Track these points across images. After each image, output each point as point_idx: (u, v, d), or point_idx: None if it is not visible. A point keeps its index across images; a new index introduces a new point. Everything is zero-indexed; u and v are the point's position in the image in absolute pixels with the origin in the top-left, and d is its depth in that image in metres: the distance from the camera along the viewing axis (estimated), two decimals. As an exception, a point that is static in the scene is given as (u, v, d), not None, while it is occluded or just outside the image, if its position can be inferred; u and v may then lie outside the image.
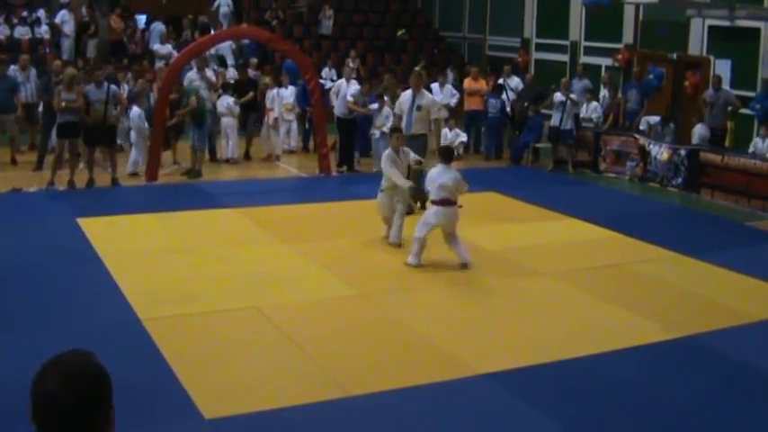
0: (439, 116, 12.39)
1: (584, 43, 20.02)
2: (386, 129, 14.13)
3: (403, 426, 5.52)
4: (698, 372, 6.55)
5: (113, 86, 13.32)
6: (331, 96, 16.02)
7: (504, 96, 17.11)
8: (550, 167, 15.72)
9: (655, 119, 15.59)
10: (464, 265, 9.11)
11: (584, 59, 19.46)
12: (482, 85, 17.50)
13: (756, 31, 15.66)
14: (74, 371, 1.87)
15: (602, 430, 5.56)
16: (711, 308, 8.17)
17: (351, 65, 18.90)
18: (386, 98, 14.77)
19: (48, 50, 19.08)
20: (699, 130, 14.71)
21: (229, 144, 15.17)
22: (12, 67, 15.39)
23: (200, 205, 11.73)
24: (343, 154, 15.06)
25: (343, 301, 8.03)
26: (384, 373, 6.31)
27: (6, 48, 18.75)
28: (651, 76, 17.50)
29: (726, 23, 15.97)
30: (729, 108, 14.85)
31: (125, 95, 14.61)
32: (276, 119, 15.73)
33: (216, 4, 21.96)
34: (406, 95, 11.91)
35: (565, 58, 20.49)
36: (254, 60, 18.70)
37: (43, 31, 20.09)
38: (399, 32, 23.59)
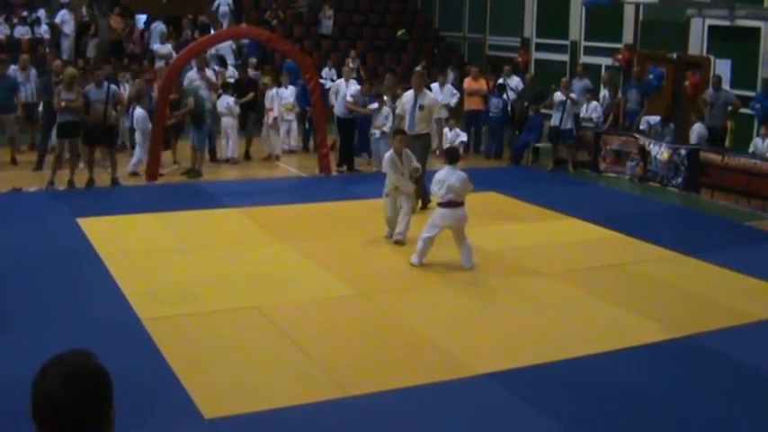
0: (439, 116, 12.40)
1: (584, 43, 20.03)
2: (386, 129, 14.13)
3: (403, 426, 5.52)
4: (698, 372, 6.55)
5: (113, 86, 13.32)
6: (330, 96, 16.03)
7: (505, 96, 17.11)
8: (550, 167, 15.72)
9: (655, 119, 15.59)
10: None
11: (584, 59, 19.47)
12: (482, 84, 17.50)
13: (756, 30, 15.66)
14: (74, 371, 1.87)
15: (602, 430, 5.56)
16: (711, 308, 8.17)
17: (351, 65, 18.90)
18: (386, 98, 14.77)
19: (48, 50, 19.08)
20: (697, 129, 14.71)
21: (229, 144, 15.17)
22: (12, 66, 15.39)
23: (200, 205, 11.73)
24: (343, 154, 15.06)
25: (343, 301, 8.03)
26: (384, 373, 6.31)
27: (6, 47, 18.76)
28: (651, 76, 17.51)
29: (726, 23, 15.98)
30: (729, 108, 14.86)
31: (125, 95, 14.62)
32: (276, 118, 15.73)
33: (216, 3, 21.96)
34: (408, 95, 11.91)
35: (565, 57, 20.49)
36: (252, 60, 18.70)
37: (43, 30, 20.09)
38: (399, 32, 23.60)
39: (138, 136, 14.09)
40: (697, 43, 17.12)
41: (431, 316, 7.66)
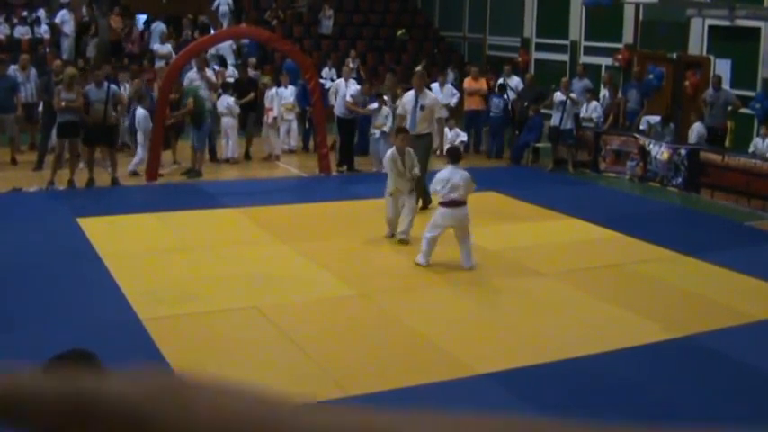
0: (440, 116, 12.40)
1: (584, 43, 20.02)
2: (386, 129, 14.13)
3: (403, 426, 5.51)
4: (698, 372, 6.55)
5: (113, 86, 13.32)
6: (330, 96, 16.02)
7: (506, 96, 17.11)
8: (550, 167, 15.71)
9: (655, 118, 15.59)
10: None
11: (584, 59, 19.46)
12: (482, 84, 17.50)
13: (756, 30, 15.66)
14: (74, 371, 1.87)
15: (602, 430, 5.55)
16: (711, 308, 8.17)
17: (351, 65, 18.90)
18: (386, 98, 14.77)
19: (48, 50, 19.08)
20: (697, 128, 14.70)
21: (229, 144, 15.16)
22: (12, 66, 15.39)
23: (200, 205, 11.73)
24: (343, 154, 15.06)
25: (343, 301, 8.03)
26: (384, 373, 6.31)
27: (6, 47, 18.76)
28: (651, 76, 17.50)
29: (726, 23, 15.97)
30: (729, 108, 14.85)
31: (125, 95, 14.62)
32: (275, 118, 15.72)
33: (216, 3, 21.96)
34: (409, 96, 11.91)
35: (565, 57, 20.49)
36: (252, 60, 18.70)
37: (43, 30, 20.09)
38: (399, 32, 23.59)
39: (139, 136, 14.08)
40: (697, 43, 17.12)
41: (431, 316, 7.66)
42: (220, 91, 15.55)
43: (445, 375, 6.26)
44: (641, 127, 15.74)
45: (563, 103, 15.49)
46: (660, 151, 14.48)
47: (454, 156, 9.36)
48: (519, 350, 6.86)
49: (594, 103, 16.11)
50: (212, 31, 19.60)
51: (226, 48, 19.62)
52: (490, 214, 11.73)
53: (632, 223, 11.37)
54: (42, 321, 7.12)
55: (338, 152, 15.16)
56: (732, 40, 16.20)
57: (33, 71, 15.79)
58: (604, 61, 19.10)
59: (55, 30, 20.04)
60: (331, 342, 6.92)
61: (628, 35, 18.73)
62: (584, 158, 15.79)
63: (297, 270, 8.97)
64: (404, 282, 8.72)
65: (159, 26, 20.78)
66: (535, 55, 21.63)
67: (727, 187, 13.30)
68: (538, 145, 16.26)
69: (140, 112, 13.95)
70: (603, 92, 16.85)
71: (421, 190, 10.95)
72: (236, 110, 15.17)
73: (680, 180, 14.14)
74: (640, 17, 18.42)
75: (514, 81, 17.64)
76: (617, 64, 18.79)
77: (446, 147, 12.73)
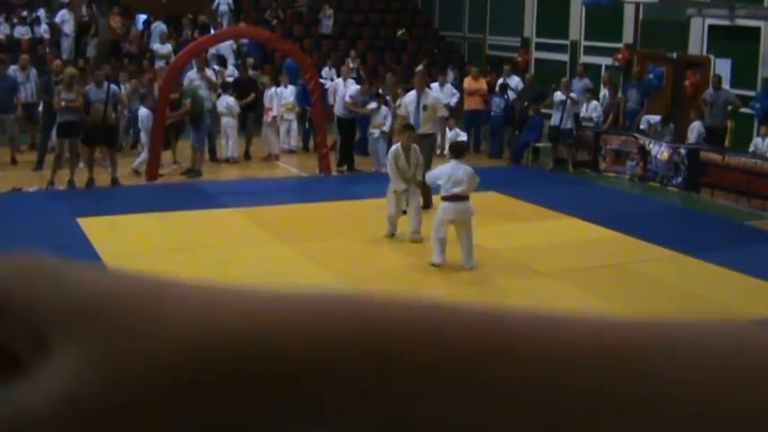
0: (441, 115, 12.40)
1: (584, 43, 20.03)
2: (385, 128, 14.12)
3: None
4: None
5: (113, 86, 13.32)
6: (329, 95, 16.02)
7: (506, 96, 17.12)
8: (550, 167, 15.71)
9: (655, 118, 15.59)
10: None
11: (584, 59, 19.46)
12: (482, 84, 17.49)
13: (756, 30, 15.66)
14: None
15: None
16: (711, 308, 8.17)
17: (351, 65, 18.90)
18: (388, 97, 14.76)
19: (48, 50, 19.09)
20: (697, 127, 14.69)
21: (229, 143, 15.15)
22: (12, 66, 15.40)
23: (200, 205, 11.73)
24: (343, 154, 15.05)
25: (344, 300, 8.02)
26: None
27: (6, 47, 18.75)
28: (651, 76, 17.51)
29: (726, 23, 15.98)
30: (729, 107, 14.85)
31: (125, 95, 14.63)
32: (274, 117, 15.72)
33: (216, 2, 21.96)
34: (411, 96, 11.89)
35: (565, 57, 20.49)
36: (250, 60, 18.70)
37: (43, 30, 20.10)
38: (399, 32, 23.60)
39: (143, 136, 14.07)
40: (697, 43, 17.12)
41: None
42: (220, 91, 15.55)
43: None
44: (641, 127, 15.75)
45: (563, 103, 15.49)
46: (660, 151, 14.48)
47: (457, 151, 9.38)
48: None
49: (594, 102, 16.11)
50: (212, 31, 19.60)
51: (226, 47, 19.62)
52: (490, 214, 11.72)
53: (632, 223, 11.37)
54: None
55: (338, 152, 15.15)
56: (732, 39, 16.20)
57: (33, 71, 15.79)
58: (604, 61, 19.11)
59: (55, 29, 20.05)
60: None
61: (628, 35, 18.73)
62: (584, 158, 15.79)
63: (297, 270, 8.97)
64: (404, 282, 8.72)
65: (159, 26, 20.78)
66: (535, 55, 21.64)
67: (727, 187, 13.30)
68: (538, 145, 16.25)
69: (143, 111, 13.94)
70: (603, 91, 16.85)
71: (423, 189, 10.94)
72: (236, 109, 15.17)
73: (680, 180, 14.14)
74: (640, 17, 18.43)
75: (514, 81, 17.64)
76: (617, 64, 18.80)
77: (447, 146, 12.73)
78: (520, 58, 21.16)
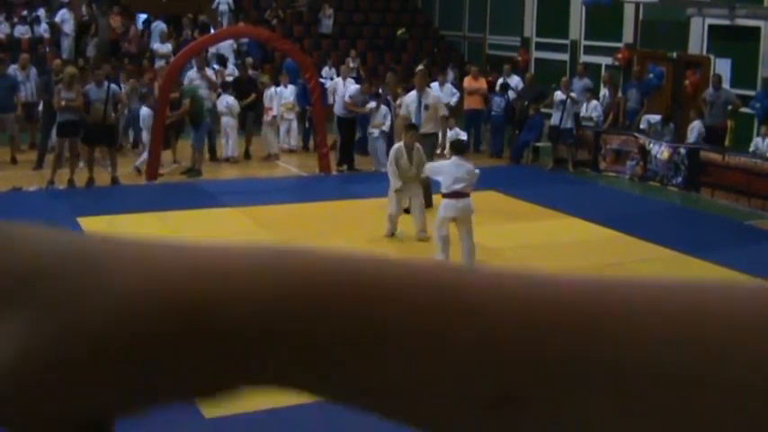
0: (442, 114, 12.40)
1: (584, 42, 20.03)
2: (384, 128, 14.12)
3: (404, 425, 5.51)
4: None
5: (114, 86, 13.32)
6: (328, 95, 16.02)
7: (507, 95, 17.12)
8: (550, 166, 15.71)
9: (655, 118, 15.60)
10: None
11: (584, 58, 19.46)
12: (482, 84, 17.49)
13: (756, 30, 15.66)
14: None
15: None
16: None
17: (351, 64, 18.90)
18: (388, 97, 14.76)
19: (48, 49, 19.09)
20: (697, 126, 14.70)
21: (229, 143, 15.15)
22: (12, 66, 15.40)
23: (200, 204, 11.73)
24: (343, 153, 15.05)
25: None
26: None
27: (6, 47, 18.76)
28: (651, 76, 17.51)
29: (726, 22, 15.98)
30: (729, 107, 14.86)
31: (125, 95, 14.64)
32: (274, 117, 15.72)
33: (216, 2, 21.97)
34: (412, 96, 11.87)
35: (565, 57, 20.49)
36: (249, 60, 18.70)
37: (43, 29, 20.10)
38: (399, 31, 23.60)
39: (144, 135, 14.08)
40: (697, 43, 17.13)
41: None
42: (220, 90, 15.55)
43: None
44: (641, 126, 15.75)
45: (563, 103, 15.49)
46: (660, 150, 14.48)
47: (459, 148, 9.39)
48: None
49: (594, 102, 16.11)
50: (212, 31, 19.60)
51: (227, 47, 19.62)
52: (490, 213, 11.72)
53: (632, 222, 11.37)
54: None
55: (338, 151, 15.15)
56: (732, 39, 16.20)
57: (33, 70, 15.80)
58: (604, 60, 19.10)
59: (55, 29, 20.05)
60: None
61: (628, 34, 18.73)
62: (584, 158, 15.79)
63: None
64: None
65: (159, 25, 20.79)
66: (535, 54, 21.64)
67: (727, 186, 13.30)
68: (538, 144, 16.26)
69: (145, 110, 13.94)
70: (603, 91, 16.85)
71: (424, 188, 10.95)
72: (236, 109, 15.17)
73: (680, 179, 14.14)
74: (640, 16, 18.43)
75: (514, 80, 17.65)
76: (617, 63, 18.80)
77: (447, 145, 12.73)
78: (520, 58, 21.16)
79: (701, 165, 13.80)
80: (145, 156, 13.92)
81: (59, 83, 13.02)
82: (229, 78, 16.84)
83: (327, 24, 23.06)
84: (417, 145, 10.10)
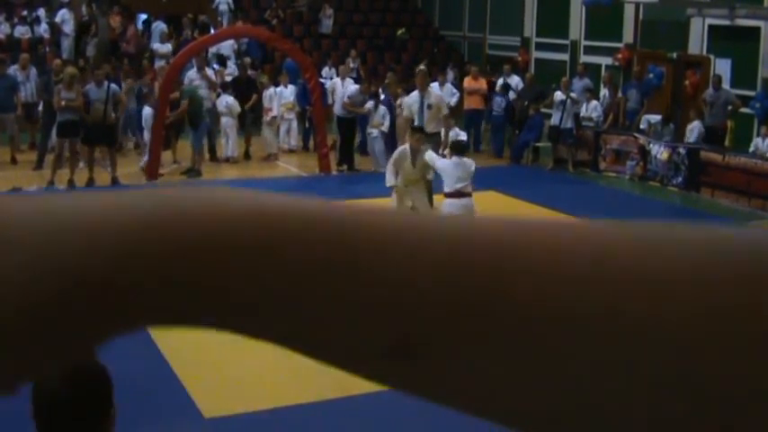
0: (443, 113, 12.40)
1: (584, 42, 20.03)
2: (384, 128, 14.12)
3: (404, 425, 5.52)
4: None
5: (114, 86, 13.33)
6: (328, 95, 16.02)
7: (507, 95, 17.12)
8: (550, 166, 15.71)
9: (655, 118, 15.60)
10: None
11: (584, 59, 19.46)
12: (482, 84, 17.49)
13: (756, 30, 15.67)
14: (74, 370, 1.87)
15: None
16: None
17: (351, 64, 18.90)
18: (389, 98, 14.75)
19: (48, 49, 19.10)
20: (697, 126, 14.70)
21: (229, 143, 15.15)
22: (12, 66, 15.40)
23: (200, 204, 11.71)
24: (343, 153, 15.05)
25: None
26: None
27: (6, 47, 18.77)
28: (651, 76, 17.51)
29: (726, 23, 15.98)
30: (729, 107, 14.86)
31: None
32: (274, 117, 15.71)
33: (216, 2, 21.97)
34: (413, 97, 11.85)
35: (565, 57, 20.50)
36: (247, 60, 18.70)
37: (43, 30, 20.10)
38: (399, 32, 23.60)
39: (146, 135, 14.08)
40: (697, 43, 17.13)
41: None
42: (220, 90, 15.55)
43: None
44: (641, 126, 15.75)
45: (563, 103, 15.50)
46: (660, 150, 14.48)
47: (459, 148, 9.44)
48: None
49: (594, 102, 16.11)
50: (212, 31, 19.61)
51: (228, 47, 19.63)
52: (490, 213, 11.72)
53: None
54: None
55: (338, 151, 15.16)
56: (732, 39, 16.20)
57: (33, 70, 15.80)
58: (604, 61, 19.11)
59: (55, 29, 20.05)
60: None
61: (628, 34, 18.74)
62: (584, 158, 15.79)
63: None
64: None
65: (159, 26, 20.79)
66: (535, 54, 21.64)
67: (727, 187, 13.31)
68: (538, 144, 16.26)
69: (147, 110, 13.94)
70: (603, 91, 16.85)
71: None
72: (236, 109, 15.16)
73: (680, 179, 14.14)
74: (640, 16, 18.43)
75: (514, 80, 17.65)
76: (617, 63, 18.80)
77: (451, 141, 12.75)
78: (520, 58, 21.16)
79: (701, 165, 13.81)
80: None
81: (59, 83, 13.02)
82: (229, 78, 16.84)
83: (327, 24, 23.06)
84: (424, 148, 9.99)
